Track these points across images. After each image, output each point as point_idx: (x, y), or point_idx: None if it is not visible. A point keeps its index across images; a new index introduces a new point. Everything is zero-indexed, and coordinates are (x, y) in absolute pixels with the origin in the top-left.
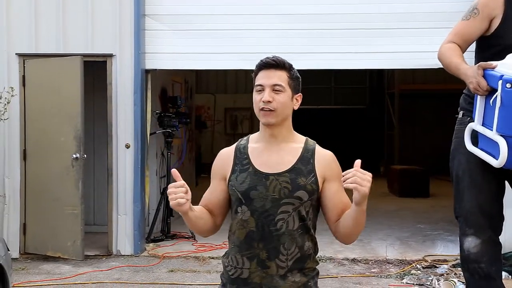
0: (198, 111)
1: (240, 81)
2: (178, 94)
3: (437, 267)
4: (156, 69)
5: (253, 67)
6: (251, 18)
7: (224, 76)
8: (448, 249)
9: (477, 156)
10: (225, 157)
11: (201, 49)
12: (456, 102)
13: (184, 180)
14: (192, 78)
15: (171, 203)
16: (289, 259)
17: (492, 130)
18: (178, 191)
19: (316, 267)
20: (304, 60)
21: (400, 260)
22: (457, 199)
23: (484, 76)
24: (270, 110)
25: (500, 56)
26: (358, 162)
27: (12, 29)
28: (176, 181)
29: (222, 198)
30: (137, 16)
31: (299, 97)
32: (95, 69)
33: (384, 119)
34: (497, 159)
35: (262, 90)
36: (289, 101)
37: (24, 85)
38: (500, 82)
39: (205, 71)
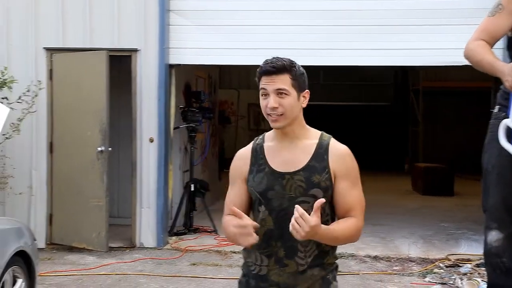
0: (221, 106)
1: None
2: (201, 89)
3: (461, 266)
4: (180, 64)
5: None
6: (275, 14)
7: (247, 71)
8: (472, 248)
9: (509, 152)
10: (243, 158)
11: (225, 44)
12: (481, 100)
13: (208, 175)
14: (216, 73)
15: (243, 243)
16: (307, 256)
17: None
18: (246, 231)
19: (336, 261)
20: (330, 57)
21: (423, 258)
22: (485, 193)
23: None
24: (278, 115)
25: None
26: (317, 204)
27: (40, 24)
28: (235, 216)
29: (249, 198)
30: (162, 11)
31: (306, 93)
32: (121, 64)
33: (408, 116)
34: None
35: (267, 94)
36: (295, 102)
37: (51, 78)
38: None
39: (229, 66)
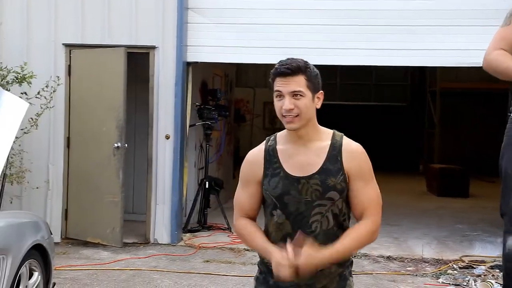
0: (237, 104)
1: None
2: (218, 87)
3: (474, 268)
4: (197, 62)
5: None
6: (294, 13)
7: (264, 70)
8: (486, 250)
9: None
10: (255, 160)
11: (242, 42)
12: (498, 102)
13: (223, 173)
14: (233, 71)
15: (282, 276)
16: None
17: None
18: (288, 270)
19: (351, 257)
20: (347, 56)
21: (437, 259)
22: (504, 197)
23: None
24: (293, 117)
25: None
26: (295, 239)
27: (60, 20)
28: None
29: (260, 200)
30: (180, 9)
31: (320, 94)
32: (138, 60)
33: (425, 117)
34: None
35: (281, 96)
36: (310, 104)
37: (69, 74)
38: None
39: (245, 64)
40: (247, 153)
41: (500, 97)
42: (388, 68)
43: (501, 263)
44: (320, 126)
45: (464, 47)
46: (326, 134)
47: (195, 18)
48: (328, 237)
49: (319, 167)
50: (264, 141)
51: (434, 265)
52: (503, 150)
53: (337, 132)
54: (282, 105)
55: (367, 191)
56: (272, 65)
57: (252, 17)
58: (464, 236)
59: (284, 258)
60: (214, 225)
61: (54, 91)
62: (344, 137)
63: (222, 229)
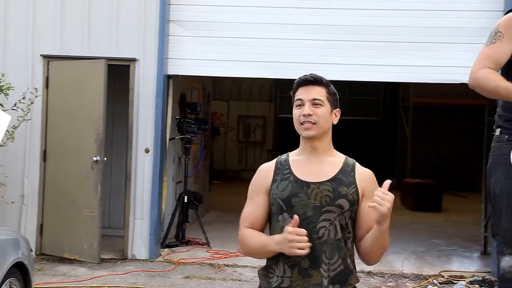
0: (212, 117)
1: (254, 89)
2: (196, 100)
3: (454, 283)
4: (178, 75)
5: (274, 76)
6: (274, 27)
7: (239, 83)
8: (464, 265)
9: None
10: (265, 171)
11: (223, 56)
12: (470, 117)
13: (199, 187)
14: (210, 84)
15: (294, 251)
16: (331, 270)
17: None
18: (303, 240)
19: (356, 284)
20: (324, 71)
21: (416, 274)
22: (495, 218)
23: None
24: (311, 123)
25: None
26: (386, 183)
27: (38, 31)
28: (294, 226)
29: (267, 212)
30: (162, 21)
31: (337, 112)
32: (116, 73)
33: (397, 132)
34: None
35: (302, 105)
36: (328, 115)
37: (47, 86)
38: None
39: (221, 77)
40: (221, 166)
41: (472, 113)
42: (360, 82)
43: (480, 278)
44: (334, 149)
45: (441, 63)
46: (339, 154)
47: (177, 31)
48: (335, 248)
49: (332, 175)
50: (276, 158)
51: (414, 280)
52: (490, 170)
53: (349, 157)
54: (301, 112)
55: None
56: (247, 79)
57: (233, 31)
58: (441, 251)
59: (294, 230)
60: (192, 239)
61: (31, 103)
62: (356, 162)
63: (201, 244)
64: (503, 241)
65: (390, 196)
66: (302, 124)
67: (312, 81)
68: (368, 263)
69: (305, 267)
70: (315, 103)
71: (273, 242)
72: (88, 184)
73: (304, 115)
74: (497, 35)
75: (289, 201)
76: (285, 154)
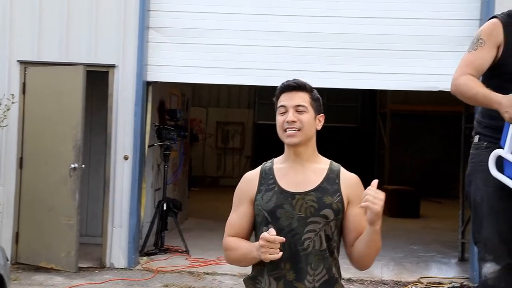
0: (190, 124)
1: (232, 96)
2: (175, 107)
3: None
4: (157, 81)
5: (253, 83)
6: (252, 34)
7: (217, 89)
8: (442, 272)
9: (494, 181)
10: (250, 180)
11: (202, 63)
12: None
13: (178, 194)
14: (189, 91)
15: (267, 256)
16: (316, 280)
17: None
18: (274, 246)
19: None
20: (302, 78)
21: (396, 281)
22: (476, 225)
23: None
24: (295, 130)
25: (509, 82)
26: (374, 182)
27: (15, 36)
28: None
29: (252, 221)
30: (141, 28)
31: (321, 117)
32: (94, 79)
33: (375, 139)
34: None
35: (285, 111)
36: (312, 121)
37: (24, 92)
38: None
39: (200, 84)
40: (200, 173)
41: (449, 120)
42: (340, 89)
43: (458, 285)
44: (319, 154)
45: (419, 71)
46: (324, 160)
47: (156, 37)
48: (319, 259)
49: (317, 185)
50: (261, 165)
51: (394, 287)
52: (470, 177)
53: (334, 162)
54: (285, 119)
55: (364, 218)
56: (225, 85)
57: (213, 38)
58: (419, 257)
59: (265, 236)
60: (171, 247)
61: (8, 110)
62: (341, 167)
63: (180, 252)
64: (484, 248)
65: (382, 194)
66: (285, 131)
67: (296, 87)
68: (361, 268)
69: (290, 279)
70: (298, 109)
71: (254, 248)
72: (66, 191)
73: (287, 122)
74: (478, 41)
75: (274, 213)
76: (270, 161)
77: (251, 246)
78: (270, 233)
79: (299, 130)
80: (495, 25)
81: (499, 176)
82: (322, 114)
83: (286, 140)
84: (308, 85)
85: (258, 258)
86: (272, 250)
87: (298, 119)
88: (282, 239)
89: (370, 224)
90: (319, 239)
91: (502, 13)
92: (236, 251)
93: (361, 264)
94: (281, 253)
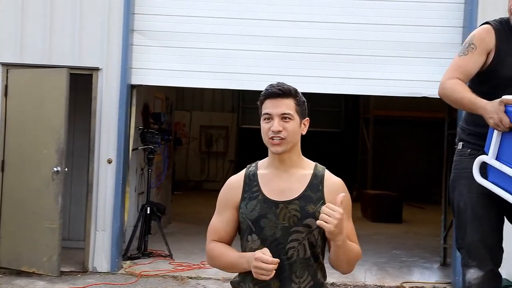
0: (174, 127)
1: (216, 99)
2: (159, 110)
3: None
4: (141, 85)
5: (238, 87)
6: (237, 39)
7: (201, 93)
8: (425, 276)
9: (478, 187)
10: (234, 186)
11: (187, 66)
12: (429, 130)
13: (161, 197)
14: (173, 94)
15: (259, 277)
16: (301, 287)
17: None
18: (268, 268)
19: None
20: (287, 83)
21: (379, 286)
22: (459, 231)
23: (505, 112)
24: (280, 139)
25: (497, 89)
26: (338, 198)
27: None
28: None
29: (236, 226)
30: (125, 31)
31: (306, 121)
32: (77, 82)
33: (358, 144)
34: None
35: (270, 119)
36: (297, 128)
37: (6, 95)
38: None
39: (183, 88)
40: (183, 177)
41: (432, 126)
42: (323, 94)
43: None
44: (303, 157)
45: (402, 77)
46: (309, 164)
47: (141, 40)
48: (305, 267)
49: (300, 193)
50: (245, 168)
51: None
52: (453, 184)
53: (319, 164)
54: (270, 127)
55: (348, 224)
56: (208, 89)
57: (197, 42)
58: (402, 262)
59: (260, 257)
60: (155, 251)
61: None
62: (326, 170)
63: (163, 256)
64: (468, 254)
65: (338, 213)
66: (271, 138)
67: (281, 93)
68: (343, 273)
69: None
70: (284, 117)
71: (244, 261)
72: (49, 195)
73: (273, 131)
74: (470, 46)
75: (258, 222)
76: (254, 165)
77: (240, 258)
78: (266, 254)
79: (284, 138)
80: (488, 31)
81: (484, 182)
82: (307, 118)
83: (272, 149)
84: (294, 89)
85: (248, 269)
86: (264, 272)
87: (283, 128)
88: (277, 260)
89: (331, 240)
90: (303, 247)
91: (494, 20)
92: (222, 259)
93: (340, 270)
94: (273, 273)
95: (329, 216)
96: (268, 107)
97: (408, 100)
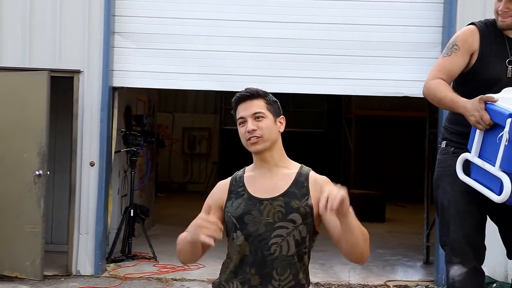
0: (157, 129)
1: (199, 101)
2: (141, 112)
3: None
4: (123, 87)
5: (220, 88)
6: (219, 40)
7: (184, 95)
8: (408, 275)
9: (461, 185)
10: (221, 187)
11: (169, 68)
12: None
13: (145, 200)
14: (155, 96)
15: (202, 237)
16: (281, 286)
17: (493, 165)
18: (212, 226)
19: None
20: (268, 84)
21: (363, 285)
22: (443, 228)
23: (486, 110)
24: (257, 137)
25: (479, 90)
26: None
27: None
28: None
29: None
30: (106, 33)
31: (282, 119)
32: (58, 85)
33: (341, 143)
34: (497, 194)
35: (244, 122)
36: (272, 125)
37: None
38: (509, 120)
39: (166, 90)
40: (166, 179)
41: (413, 125)
42: (306, 95)
43: (424, 287)
44: (288, 158)
45: (384, 77)
46: (294, 164)
47: (122, 42)
48: (286, 264)
49: (284, 190)
50: (234, 174)
51: None
52: (437, 182)
53: (305, 166)
54: (245, 129)
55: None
56: (191, 91)
57: (180, 43)
58: (386, 261)
59: (206, 217)
60: (139, 254)
61: None
62: (312, 170)
63: (147, 258)
64: (451, 251)
65: (339, 192)
66: (248, 140)
67: (249, 95)
68: (359, 259)
69: (254, 284)
70: (256, 116)
71: (192, 229)
72: (31, 199)
73: (248, 132)
74: (453, 47)
75: (242, 218)
76: (242, 170)
77: (194, 230)
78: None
79: (260, 137)
80: (472, 32)
81: (466, 179)
82: (282, 116)
83: (251, 149)
84: (261, 90)
85: (197, 240)
86: (207, 231)
87: (257, 126)
88: (215, 221)
89: (342, 218)
90: (287, 244)
91: (479, 21)
92: (183, 241)
93: (355, 255)
94: (213, 240)
95: (334, 198)
96: (240, 111)
97: (390, 99)
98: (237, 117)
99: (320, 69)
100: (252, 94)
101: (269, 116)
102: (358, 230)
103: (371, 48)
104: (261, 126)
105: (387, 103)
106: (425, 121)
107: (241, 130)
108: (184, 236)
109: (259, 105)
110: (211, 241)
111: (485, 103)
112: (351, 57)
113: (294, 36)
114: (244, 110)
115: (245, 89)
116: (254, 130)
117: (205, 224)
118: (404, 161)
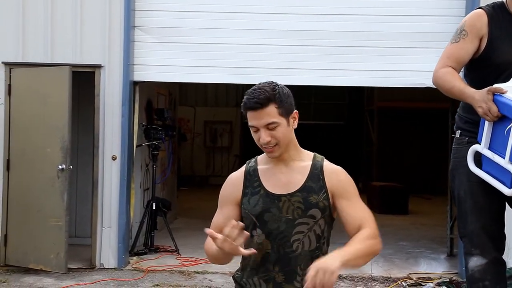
0: (178, 123)
1: (220, 94)
2: (163, 106)
3: (423, 285)
4: (144, 81)
5: (241, 81)
6: (239, 33)
7: (204, 89)
8: (431, 267)
9: (477, 175)
10: (234, 182)
11: (189, 62)
12: (434, 120)
13: (167, 193)
14: (176, 90)
15: (228, 248)
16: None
17: (503, 158)
18: (237, 236)
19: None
20: (289, 76)
21: (385, 277)
22: (461, 220)
23: (494, 101)
24: (272, 146)
25: (490, 75)
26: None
27: None
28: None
29: None
30: (126, 27)
31: (295, 114)
32: (81, 80)
33: (362, 136)
34: (508, 187)
35: (257, 130)
36: (286, 129)
37: (10, 94)
38: None
39: (187, 83)
40: (188, 172)
41: (436, 116)
42: (327, 87)
43: (447, 280)
44: (301, 148)
45: (406, 68)
46: (307, 155)
47: (142, 37)
48: (309, 259)
49: (301, 184)
50: (245, 164)
51: (384, 283)
52: (453, 172)
53: (318, 155)
54: (259, 138)
55: (357, 206)
56: (211, 84)
57: (198, 37)
58: (408, 253)
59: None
60: (161, 247)
61: None
62: (325, 159)
63: (170, 251)
64: (470, 243)
65: (331, 273)
66: (263, 146)
67: (259, 106)
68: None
69: (279, 281)
70: (269, 127)
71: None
72: (54, 193)
73: (263, 143)
74: (461, 33)
75: (261, 216)
76: (253, 160)
77: (221, 244)
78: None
79: (276, 144)
80: (480, 16)
81: (478, 171)
82: (295, 111)
83: (268, 155)
84: (270, 91)
85: (225, 252)
86: (230, 245)
87: (272, 136)
88: (238, 223)
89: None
90: (308, 239)
91: (487, 5)
92: (212, 247)
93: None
94: (244, 251)
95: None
96: (251, 119)
97: (412, 91)
98: (249, 123)
99: (342, 61)
100: (262, 104)
101: (282, 121)
102: (362, 260)
103: (393, 39)
104: (276, 135)
105: (409, 95)
106: (448, 111)
107: (254, 136)
108: (210, 245)
109: (270, 114)
110: (241, 252)
111: (493, 94)
112: (373, 48)
113: (316, 28)
114: (255, 119)
115: (254, 94)
116: (268, 141)
117: (229, 238)
118: (427, 153)
